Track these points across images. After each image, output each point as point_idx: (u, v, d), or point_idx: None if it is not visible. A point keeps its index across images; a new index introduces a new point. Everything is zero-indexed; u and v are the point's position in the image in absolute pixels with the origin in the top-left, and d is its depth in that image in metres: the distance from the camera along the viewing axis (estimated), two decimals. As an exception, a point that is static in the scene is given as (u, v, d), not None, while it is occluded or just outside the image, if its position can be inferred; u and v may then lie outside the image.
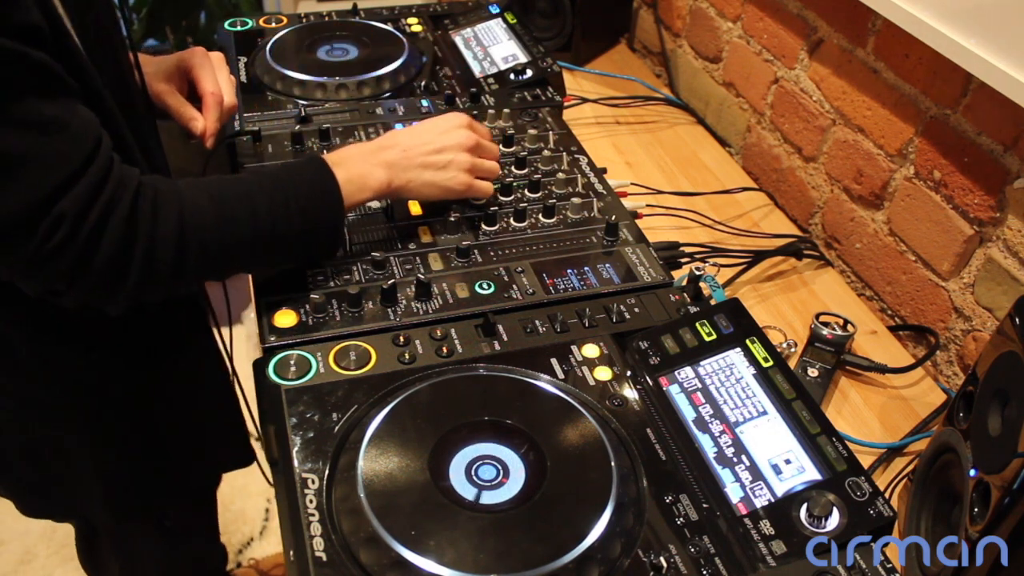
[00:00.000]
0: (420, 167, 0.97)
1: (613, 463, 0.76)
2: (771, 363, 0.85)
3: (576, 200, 1.09)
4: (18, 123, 0.66)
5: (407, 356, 0.87)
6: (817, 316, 1.13)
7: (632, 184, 1.35)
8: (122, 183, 0.73)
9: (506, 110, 1.26)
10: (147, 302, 0.79)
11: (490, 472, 0.76)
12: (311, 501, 0.73)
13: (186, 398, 1.02)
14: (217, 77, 1.01)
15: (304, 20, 1.45)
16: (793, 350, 1.14)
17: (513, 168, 1.15)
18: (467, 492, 0.74)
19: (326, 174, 0.89)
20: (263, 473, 1.14)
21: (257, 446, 1.09)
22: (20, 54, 0.65)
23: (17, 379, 0.90)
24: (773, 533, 0.72)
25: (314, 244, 0.91)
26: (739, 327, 0.89)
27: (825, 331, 1.11)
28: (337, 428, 0.79)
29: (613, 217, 1.05)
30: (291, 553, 0.69)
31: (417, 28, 1.50)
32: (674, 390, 0.86)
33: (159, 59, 1.02)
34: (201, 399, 1.05)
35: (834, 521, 0.72)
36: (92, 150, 0.71)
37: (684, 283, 0.98)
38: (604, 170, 1.19)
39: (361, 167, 0.92)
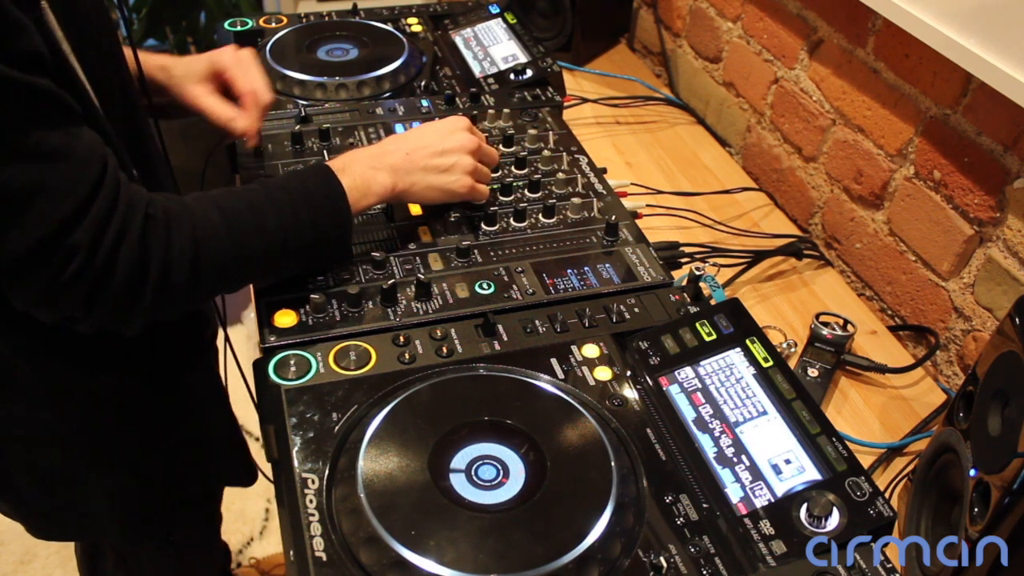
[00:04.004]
0: (423, 170, 0.97)
1: (613, 463, 0.76)
2: (771, 363, 0.85)
3: (576, 200, 1.09)
4: (24, 155, 0.65)
5: (407, 356, 0.87)
6: (817, 316, 1.13)
7: (632, 184, 1.35)
8: (131, 206, 0.72)
9: (506, 110, 1.25)
10: (162, 320, 0.78)
11: (490, 472, 0.76)
12: (311, 501, 0.73)
13: (193, 417, 1.01)
14: (252, 75, 1.01)
15: (304, 20, 1.45)
16: (793, 350, 1.14)
17: (513, 168, 1.15)
18: (467, 492, 0.74)
19: (332, 182, 0.88)
20: (263, 473, 1.14)
21: (260, 461, 1.08)
22: (24, 84, 0.64)
23: (25, 406, 0.88)
24: (773, 533, 0.72)
25: (323, 253, 0.91)
26: (739, 327, 0.89)
27: (825, 331, 1.11)
28: (337, 428, 0.79)
29: (613, 217, 1.05)
30: (291, 553, 0.69)
31: (417, 28, 1.50)
32: (674, 390, 0.86)
33: (188, 60, 1.01)
34: (207, 416, 1.04)
35: (834, 521, 0.72)
36: (99, 175, 0.69)
37: (684, 283, 0.98)
38: (604, 170, 1.19)
39: (365, 172, 0.92)
